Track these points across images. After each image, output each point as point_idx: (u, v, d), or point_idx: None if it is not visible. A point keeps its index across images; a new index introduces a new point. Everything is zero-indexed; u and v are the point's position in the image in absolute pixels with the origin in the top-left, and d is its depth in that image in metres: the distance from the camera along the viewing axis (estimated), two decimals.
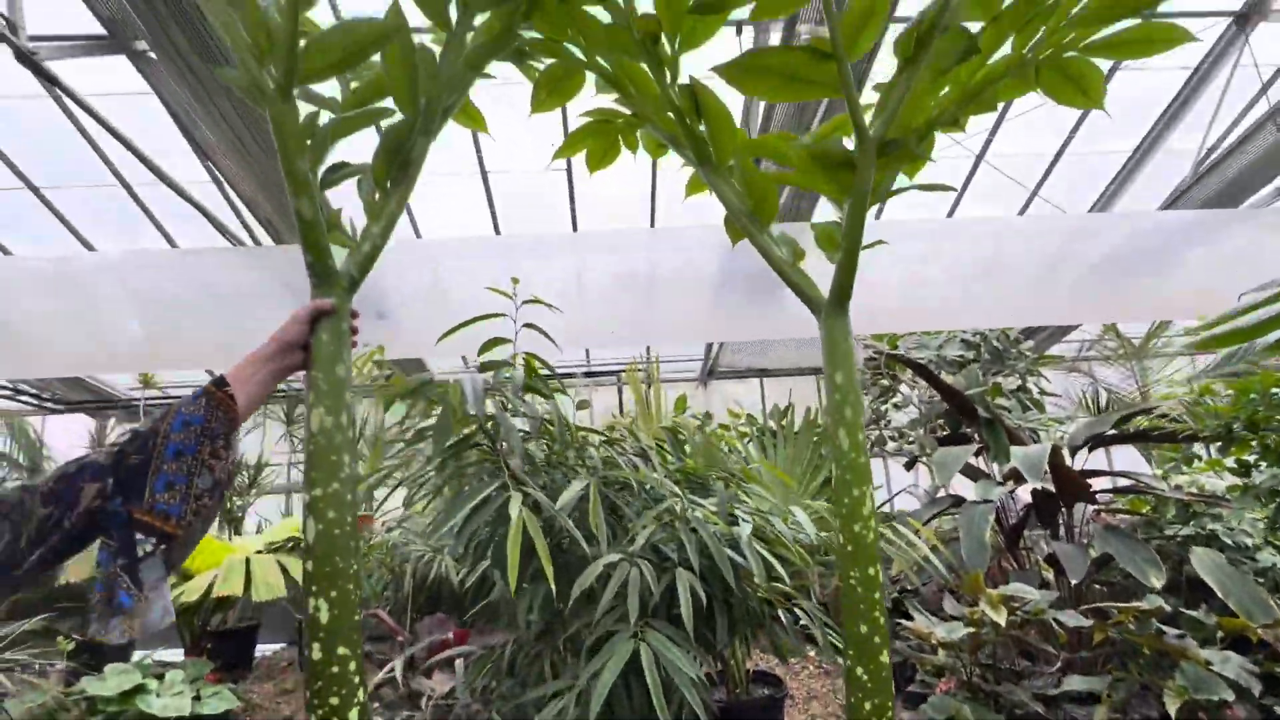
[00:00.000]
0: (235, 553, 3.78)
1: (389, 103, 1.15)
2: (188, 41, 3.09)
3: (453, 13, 1.09)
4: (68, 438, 6.70)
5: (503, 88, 1.26)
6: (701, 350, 7.59)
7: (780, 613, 1.83)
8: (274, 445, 6.90)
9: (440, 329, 4.08)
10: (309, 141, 0.98)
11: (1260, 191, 4.80)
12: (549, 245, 4.04)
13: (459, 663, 1.69)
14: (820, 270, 1.21)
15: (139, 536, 0.79)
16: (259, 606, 4.68)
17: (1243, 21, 4.41)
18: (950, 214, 5.59)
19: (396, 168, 1.09)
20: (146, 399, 6.93)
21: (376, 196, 1.08)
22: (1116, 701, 2.19)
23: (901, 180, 1.28)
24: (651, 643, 1.32)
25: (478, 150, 4.68)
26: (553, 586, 1.29)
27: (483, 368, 1.45)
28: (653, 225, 5.35)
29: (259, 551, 3.89)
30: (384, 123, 1.12)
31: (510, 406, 1.54)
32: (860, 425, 1.02)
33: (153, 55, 3.25)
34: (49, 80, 2.90)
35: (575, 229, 5.26)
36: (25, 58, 2.63)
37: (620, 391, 7.43)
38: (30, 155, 4.66)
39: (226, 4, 0.86)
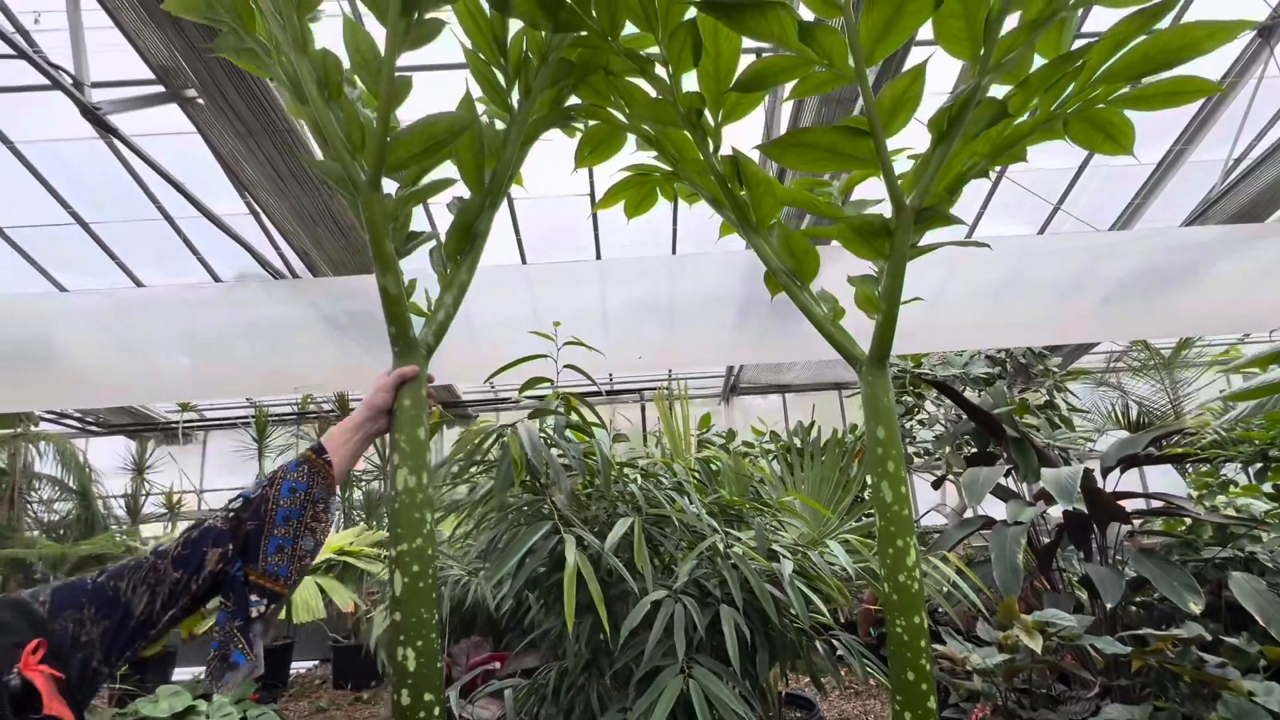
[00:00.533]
0: None
1: (446, 169, 1.24)
2: (235, 90, 3.27)
3: (514, 97, 1.18)
4: (110, 459, 6.95)
5: None
6: (723, 368, 7.65)
7: (817, 643, 1.88)
8: None
9: (467, 356, 4.16)
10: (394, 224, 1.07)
11: None
12: (573, 274, 4.15)
13: (508, 694, 1.76)
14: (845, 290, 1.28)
15: (253, 598, 0.87)
16: (292, 626, 4.80)
17: (1268, 33, 4.40)
18: (970, 233, 5.60)
19: (466, 241, 1.18)
20: (185, 422, 7.16)
21: (448, 269, 1.17)
22: None
23: (930, 238, 1.34)
24: (699, 679, 1.38)
25: None
26: (605, 624, 1.36)
27: (532, 415, 1.53)
28: (675, 247, 5.44)
29: None
30: (453, 199, 1.21)
31: (554, 445, 1.62)
32: (903, 478, 1.08)
33: (201, 101, 3.43)
34: (110, 132, 3.07)
35: (599, 254, 5.37)
36: (90, 113, 2.80)
37: (644, 409, 7.50)
38: (79, 193, 4.90)
39: (324, 105, 0.96)
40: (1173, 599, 2.56)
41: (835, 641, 1.84)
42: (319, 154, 4.09)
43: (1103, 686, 2.87)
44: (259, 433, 6.80)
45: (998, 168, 1.39)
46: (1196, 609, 2.50)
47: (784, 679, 5.01)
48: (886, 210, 1.16)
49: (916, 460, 5.28)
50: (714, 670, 1.44)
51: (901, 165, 1.20)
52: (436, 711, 0.95)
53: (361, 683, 5.23)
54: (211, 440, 7.55)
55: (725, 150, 1.24)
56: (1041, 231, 5.67)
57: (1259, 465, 2.45)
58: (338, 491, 1.01)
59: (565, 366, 1.85)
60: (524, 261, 5.33)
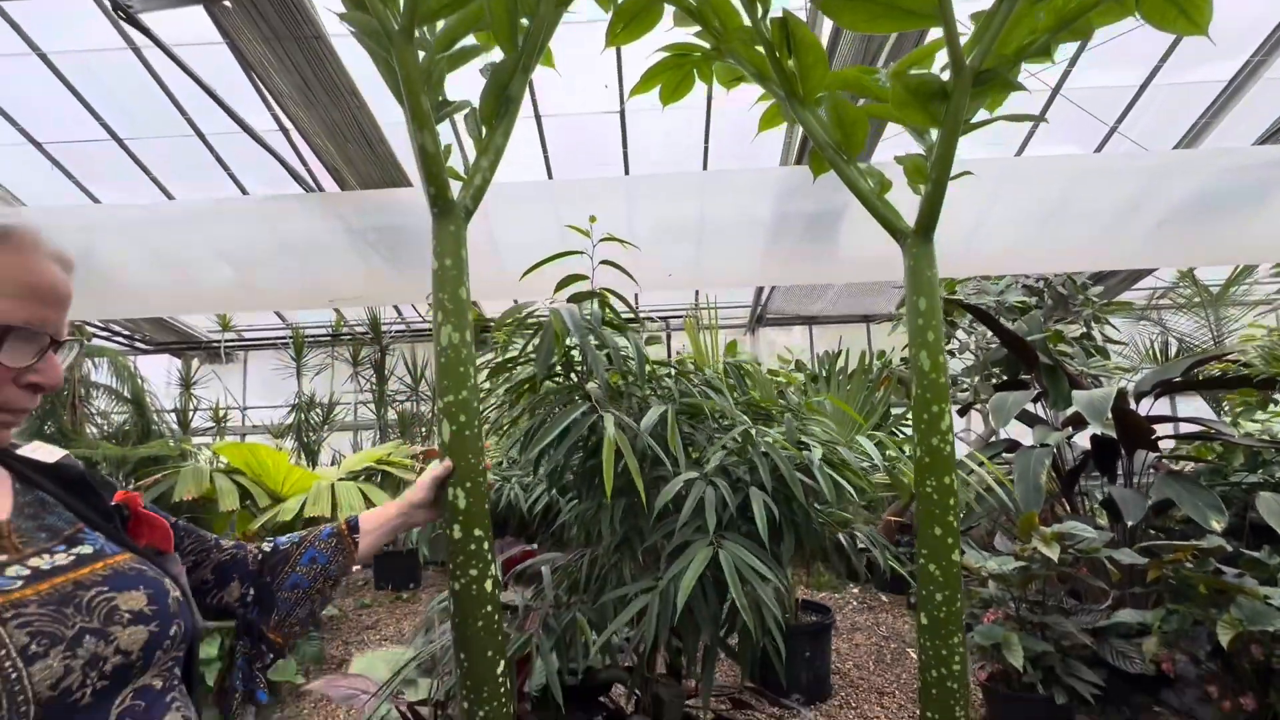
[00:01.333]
0: (321, 480, 4.12)
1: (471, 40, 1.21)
2: None
3: None
4: (157, 377, 7.27)
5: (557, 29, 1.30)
6: (750, 297, 7.57)
7: (840, 536, 1.94)
8: (342, 385, 7.32)
9: (491, 274, 4.17)
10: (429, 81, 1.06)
11: None
12: (600, 191, 4.08)
13: (545, 569, 1.87)
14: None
15: (264, 647, 0.92)
16: None
17: None
18: (1019, 153, 5.32)
19: (501, 104, 1.16)
20: (225, 341, 7.42)
21: (483, 133, 1.17)
22: (1168, 634, 2.24)
23: (982, 114, 1.28)
24: (729, 548, 1.45)
25: (532, 93, 4.68)
26: (643, 497, 1.42)
27: (572, 299, 1.55)
28: (706, 165, 5.29)
29: (341, 479, 4.23)
30: (485, 61, 1.19)
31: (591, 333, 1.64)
32: (941, 348, 1.08)
33: (228, 4, 3.35)
34: (145, 33, 3.04)
35: (627, 173, 5.25)
36: (121, 9, 2.76)
37: (669, 337, 7.52)
38: (111, 107, 4.90)
39: None
40: (1195, 518, 2.57)
41: (858, 534, 1.90)
42: (347, 64, 4.01)
43: (1115, 599, 2.94)
44: (296, 353, 7.02)
45: (1053, 63, 1.30)
46: (1219, 526, 2.51)
47: (803, 582, 5.22)
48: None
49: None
50: (743, 546, 1.50)
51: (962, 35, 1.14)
52: (486, 545, 1.02)
53: (401, 584, 5.60)
54: (251, 360, 7.83)
55: (775, 12, 1.19)
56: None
57: None
58: (348, 572, 1.01)
59: (601, 263, 1.85)
60: (550, 178, 5.24)
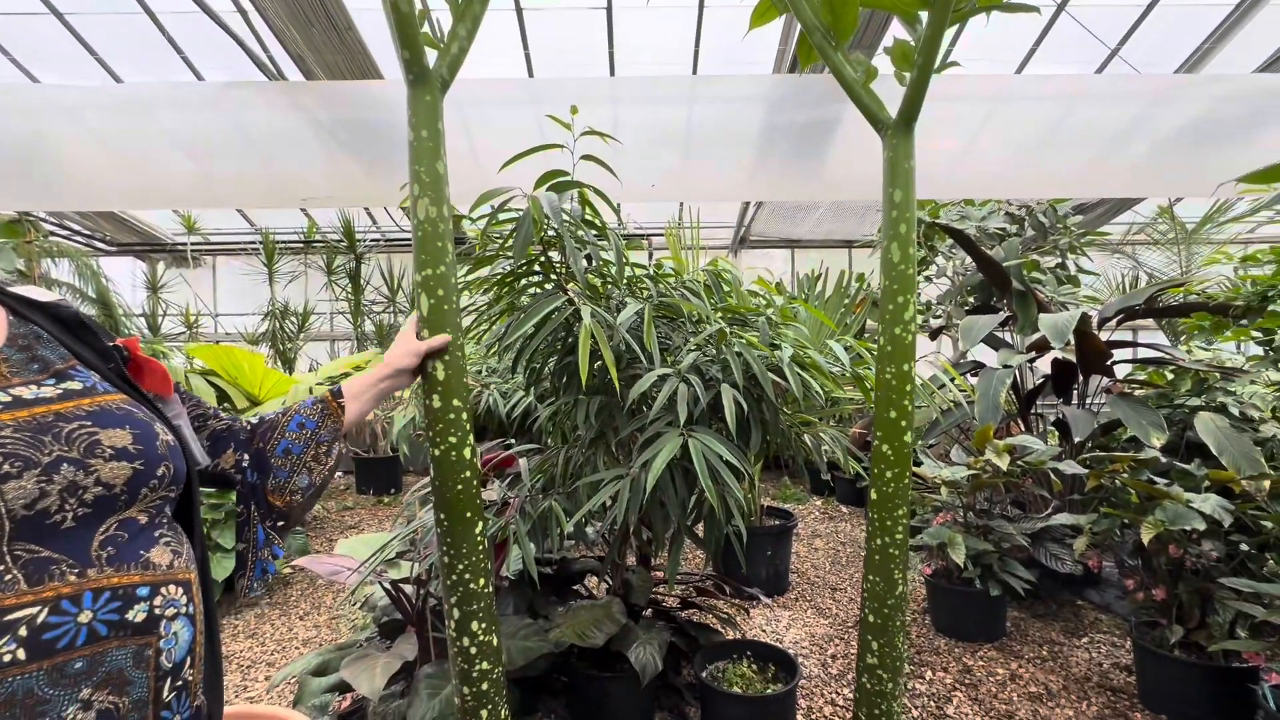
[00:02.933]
0: (299, 383, 4.13)
1: None
2: None
3: None
4: (122, 277, 7.03)
5: None
6: (734, 218, 7.47)
7: (807, 439, 2.04)
8: (316, 294, 7.18)
9: (470, 176, 4.03)
10: None
11: None
12: (584, 92, 3.88)
13: (522, 461, 1.95)
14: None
15: (269, 510, 0.93)
16: None
17: None
18: (1019, 70, 5.17)
19: None
20: (192, 245, 7.15)
21: None
22: (1098, 535, 2.44)
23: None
24: (699, 438, 1.51)
25: None
26: (619, 392, 1.47)
27: (552, 188, 1.52)
28: (695, 70, 5.06)
29: (319, 384, 4.24)
30: None
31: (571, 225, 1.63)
32: (912, 240, 1.10)
33: None
34: None
35: (612, 75, 5.00)
36: None
37: (650, 255, 7.44)
38: None
39: None
40: (1138, 434, 2.73)
41: (823, 436, 2.00)
42: None
43: (1055, 509, 3.16)
44: (268, 258, 6.81)
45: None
46: (1158, 442, 2.68)
47: (768, 495, 5.49)
48: None
49: (919, 316, 5.34)
50: (712, 437, 1.57)
51: None
52: (464, 415, 1.06)
53: (382, 489, 5.77)
54: (221, 265, 7.59)
55: None
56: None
57: (1247, 315, 2.47)
58: (343, 439, 1.00)
59: (583, 158, 1.80)
60: (531, 77, 4.98)
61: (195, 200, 5.29)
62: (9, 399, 0.62)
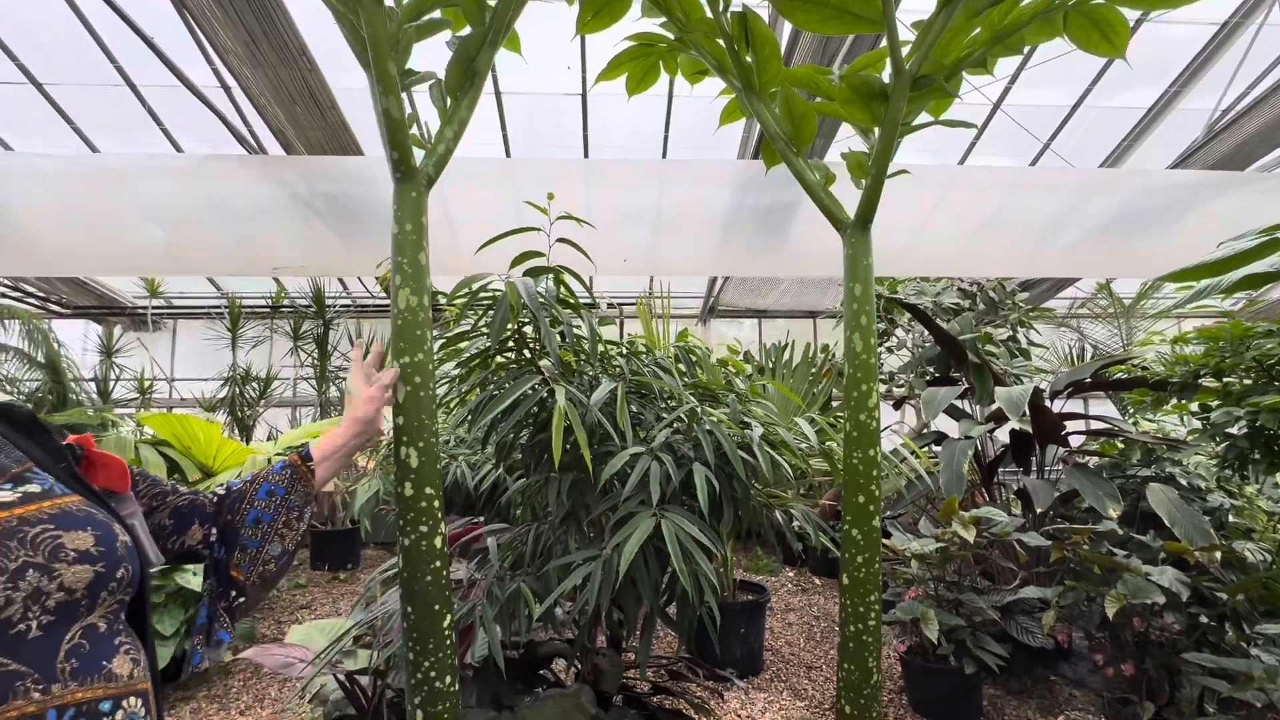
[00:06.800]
0: (257, 454, 3.98)
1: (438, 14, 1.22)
2: None
3: None
4: (75, 343, 6.80)
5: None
6: (703, 289, 7.70)
7: (778, 515, 2.05)
8: (281, 359, 7.03)
9: (447, 252, 4.11)
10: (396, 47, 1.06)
11: (1266, 157, 4.85)
12: (559, 172, 4.07)
13: (491, 540, 1.90)
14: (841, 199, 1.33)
15: (233, 591, 0.91)
16: None
17: None
18: (961, 162, 5.60)
19: (467, 77, 1.18)
20: (154, 308, 7.00)
21: (449, 103, 1.18)
22: (1064, 608, 2.47)
23: (925, 118, 1.38)
24: (672, 519, 1.51)
25: (493, 70, 4.61)
26: (590, 471, 1.47)
27: (528, 273, 1.57)
28: (665, 153, 5.34)
29: (278, 454, 4.09)
30: (453, 36, 1.19)
31: (546, 307, 1.67)
32: (873, 331, 1.17)
33: None
34: None
35: (587, 156, 5.25)
36: None
37: (622, 325, 7.56)
38: (30, 48, 4.53)
39: None
40: (1096, 506, 2.82)
41: (793, 511, 2.01)
42: (299, 24, 3.84)
43: (1022, 579, 3.19)
44: (233, 323, 6.69)
45: (992, 77, 1.41)
46: (1115, 514, 2.76)
47: (741, 565, 5.38)
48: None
49: (881, 386, 5.51)
50: (684, 517, 1.57)
51: (905, 39, 1.22)
52: (436, 503, 1.05)
53: (339, 564, 5.47)
54: (182, 328, 7.42)
55: (736, 7, 1.24)
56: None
57: (1183, 391, 2.63)
58: (313, 503, 1.00)
59: (558, 241, 1.87)
60: (509, 157, 5.18)
61: (166, 268, 5.25)
62: None
